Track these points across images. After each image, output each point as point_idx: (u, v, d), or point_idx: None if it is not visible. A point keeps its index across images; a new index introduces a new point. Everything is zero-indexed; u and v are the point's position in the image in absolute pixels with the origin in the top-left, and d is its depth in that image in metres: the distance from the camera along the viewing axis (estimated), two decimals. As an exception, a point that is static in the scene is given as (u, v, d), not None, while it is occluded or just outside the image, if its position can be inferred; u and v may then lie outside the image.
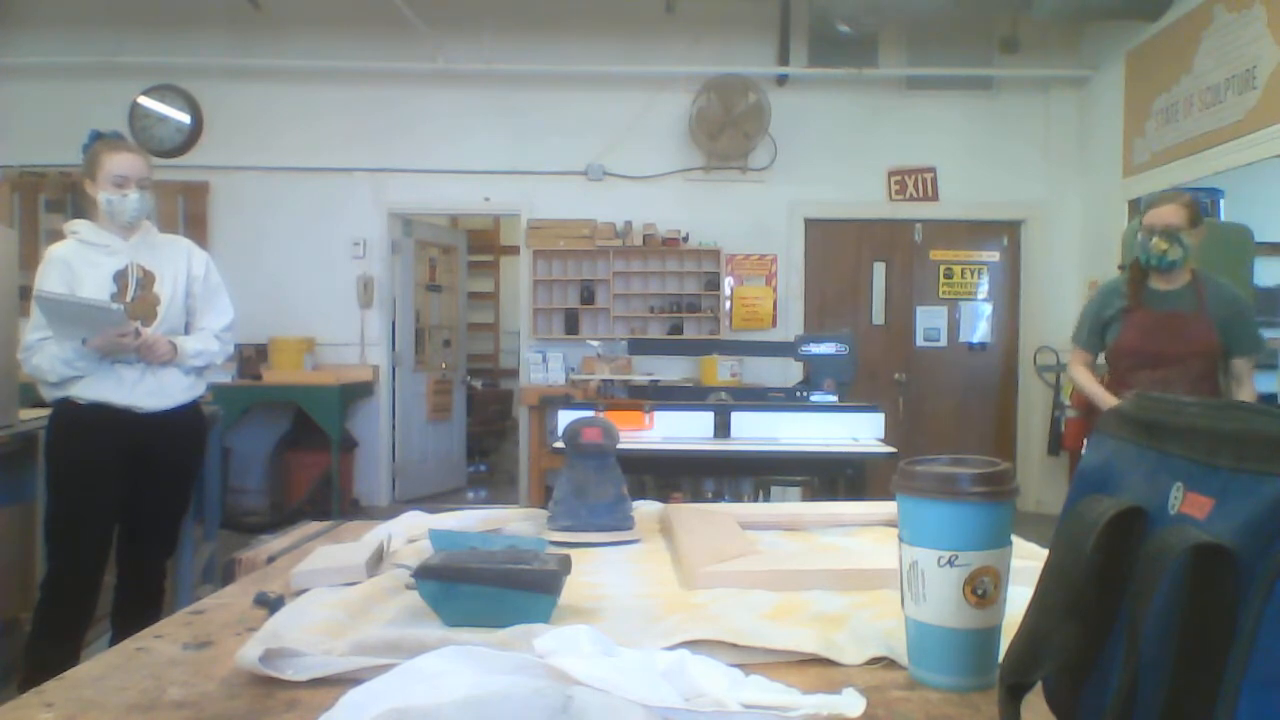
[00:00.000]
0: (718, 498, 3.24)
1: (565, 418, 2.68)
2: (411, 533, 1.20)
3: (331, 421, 5.99)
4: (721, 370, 6.00)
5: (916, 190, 6.51)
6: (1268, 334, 4.61)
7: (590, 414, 1.36)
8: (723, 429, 2.92)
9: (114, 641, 2.14)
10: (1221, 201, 5.56)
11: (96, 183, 2.68)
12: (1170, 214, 2.78)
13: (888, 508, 1.22)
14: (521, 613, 0.80)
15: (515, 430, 7.34)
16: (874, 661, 0.74)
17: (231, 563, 1.20)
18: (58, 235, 2.84)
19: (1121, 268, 3.12)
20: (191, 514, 3.25)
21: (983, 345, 6.66)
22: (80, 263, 2.68)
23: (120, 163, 2.66)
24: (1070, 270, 6.42)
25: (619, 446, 1.28)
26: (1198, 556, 0.45)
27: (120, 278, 2.71)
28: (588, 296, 6.51)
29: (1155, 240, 2.75)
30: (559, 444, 1.29)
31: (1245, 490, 0.45)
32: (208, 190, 6.39)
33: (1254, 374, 2.85)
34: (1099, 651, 0.53)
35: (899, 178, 6.51)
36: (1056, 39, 6.35)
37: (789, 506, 1.38)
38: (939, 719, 0.64)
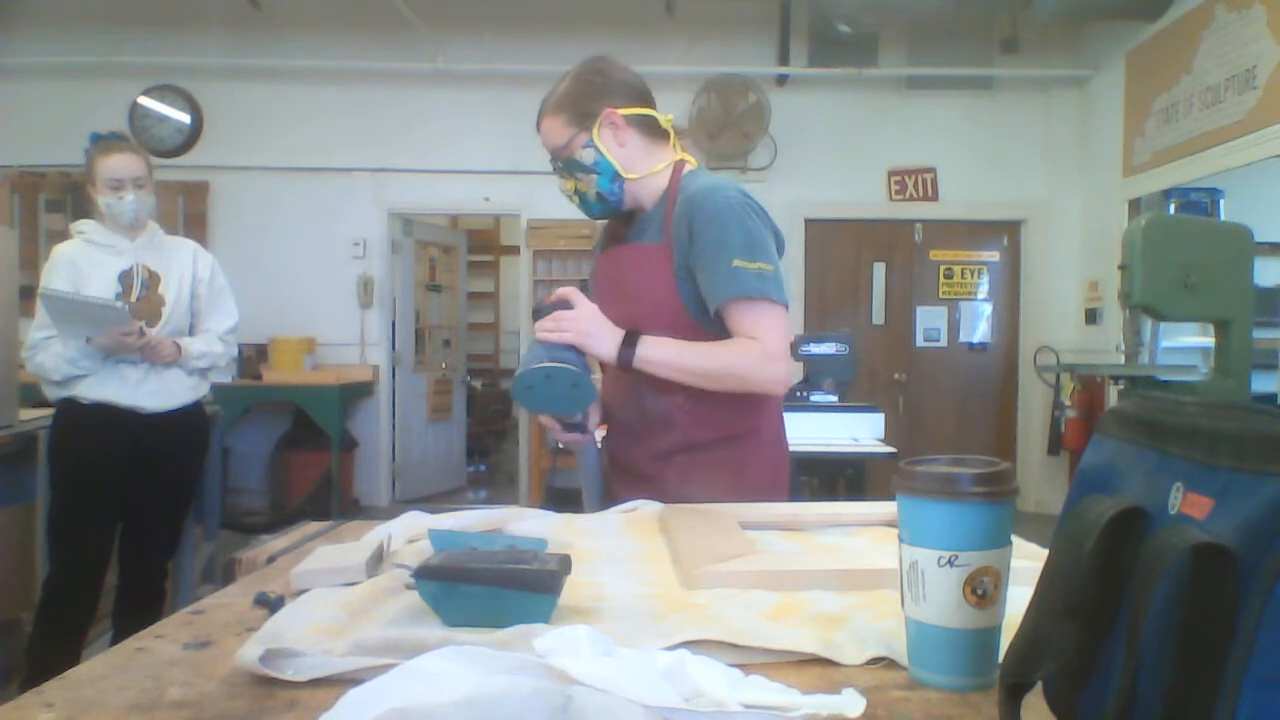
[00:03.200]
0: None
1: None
2: (411, 533, 1.20)
3: (331, 421, 5.99)
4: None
5: (916, 190, 6.51)
6: (1268, 334, 4.61)
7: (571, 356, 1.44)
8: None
9: (114, 641, 2.14)
10: (1221, 201, 5.57)
11: (95, 187, 2.68)
12: None
13: (888, 508, 1.23)
14: (521, 613, 0.80)
15: (515, 430, 7.34)
16: (874, 661, 0.74)
17: (232, 563, 1.21)
18: (58, 235, 2.85)
19: (1122, 267, 3.11)
20: (192, 514, 3.25)
21: (983, 345, 6.66)
22: (86, 262, 2.69)
23: (113, 165, 2.66)
24: (1070, 270, 6.43)
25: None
26: (1197, 556, 0.45)
27: (125, 278, 2.72)
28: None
29: None
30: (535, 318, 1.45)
31: (1245, 490, 0.45)
32: (208, 190, 6.39)
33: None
34: (1099, 651, 0.53)
35: (899, 178, 6.51)
36: (1056, 39, 6.36)
37: (788, 506, 1.38)
38: (939, 719, 0.64)
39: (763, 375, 1.46)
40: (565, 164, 1.58)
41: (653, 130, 1.57)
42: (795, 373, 4.99)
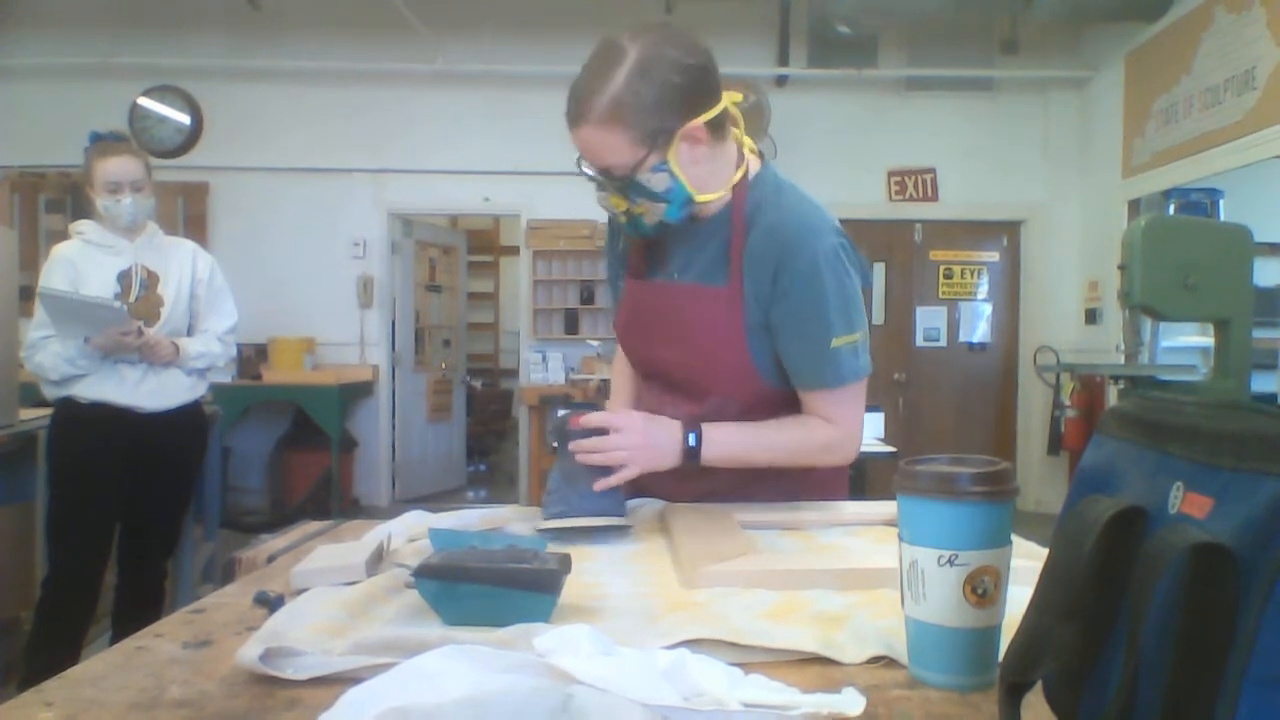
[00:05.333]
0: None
1: (565, 417, 2.68)
2: (411, 532, 1.20)
3: (331, 421, 5.99)
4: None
5: (916, 191, 6.51)
6: (1267, 334, 4.61)
7: (580, 408, 1.35)
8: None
9: (114, 640, 2.14)
10: (1221, 202, 5.56)
11: (94, 189, 2.68)
12: None
13: (888, 507, 1.22)
14: (521, 612, 0.80)
15: (515, 430, 7.35)
16: (874, 660, 0.74)
17: (231, 562, 1.20)
18: (57, 236, 2.85)
19: (1122, 267, 3.11)
20: (191, 513, 3.25)
21: (982, 345, 6.66)
22: (85, 262, 2.69)
23: (111, 168, 2.66)
24: (1070, 270, 6.43)
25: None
26: (1197, 556, 0.45)
27: (124, 278, 2.72)
28: (587, 297, 6.51)
29: None
30: (553, 440, 1.27)
31: (1245, 490, 0.45)
32: (207, 191, 6.39)
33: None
34: (1099, 651, 0.53)
35: (899, 178, 6.51)
36: (1056, 40, 6.36)
37: (788, 506, 1.38)
38: (939, 718, 0.64)
39: (834, 460, 1.34)
40: (623, 185, 1.20)
41: (722, 127, 1.24)
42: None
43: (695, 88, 1.18)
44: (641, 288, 1.39)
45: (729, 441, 1.27)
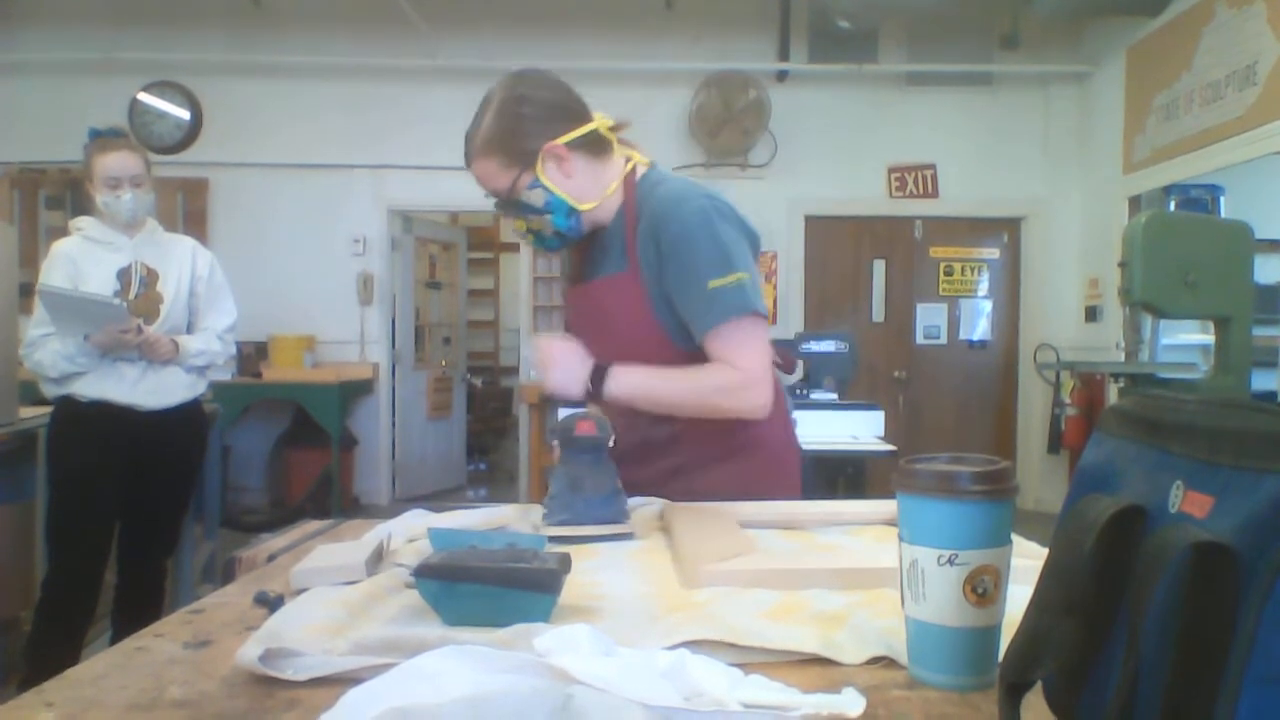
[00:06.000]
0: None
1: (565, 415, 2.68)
2: (411, 532, 1.20)
3: (331, 419, 5.99)
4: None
5: (916, 187, 6.50)
6: (1268, 331, 4.61)
7: (584, 409, 1.36)
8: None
9: (114, 640, 2.14)
10: (1222, 198, 5.56)
11: (93, 185, 2.68)
12: None
13: (888, 506, 1.23)
14: (521, 612, 0.80)
15: (515, 428, 7.35)
16: (874, 661, 0.74)
17: (231, 561, 1.21)
18: (58, 232, 2.84)
19: (1122, 264, 3.11)
20: (191, 512, 3.25)
21: (983, 343, 6.66)
22: (85, 259, 2.69)
23: (111, 164, 2.66)
24: (1070, 267, 6.43)
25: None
26: (1198, 554, 0.45)
27: (124, 275, 2.72)
28: (588, 294, 6.50)
29: None
30: (553, 441, 1.30)
31: (1245, 488, 0.45)
32: (207, 187, 6.38)
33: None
34: (1099, 650, 0.53)
35: (899, 174, 6.50)
36: (1057, 35, 6.35)
37: (788, 505, 1.38)
38: (939, 718, 0.64)
39: (740, 404, 1.40)
40: (512, 205, 1.43)
41: (596, 145, 1.44)
42: (796, 370, 4.98)
43: (551, 115, 1.40)
44: (572, 294, 1.59)
45: (633, 382, 1.40)
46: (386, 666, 0.64)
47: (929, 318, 6.63)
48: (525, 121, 1.39)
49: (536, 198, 1.41)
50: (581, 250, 1.55)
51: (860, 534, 1.23)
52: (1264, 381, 4.57)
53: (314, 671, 0.70)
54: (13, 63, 6.24)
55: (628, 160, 1.49)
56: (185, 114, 6.37)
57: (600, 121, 1.45)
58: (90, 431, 2.66)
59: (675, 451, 1.48)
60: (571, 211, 1.43)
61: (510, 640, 0.72)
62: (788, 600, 0.88)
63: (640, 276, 1.42)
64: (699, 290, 1.37)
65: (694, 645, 0.73)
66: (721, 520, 1.20)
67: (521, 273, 6.74)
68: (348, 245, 6.46)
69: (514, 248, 7.59)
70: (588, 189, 1.43)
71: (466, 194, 6.64)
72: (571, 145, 1.40)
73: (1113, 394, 5.40)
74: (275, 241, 6.37)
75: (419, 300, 7.01)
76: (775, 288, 6.52)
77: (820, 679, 0.70)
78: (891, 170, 6.50)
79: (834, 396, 3.44)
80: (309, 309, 6.36)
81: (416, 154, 6.39)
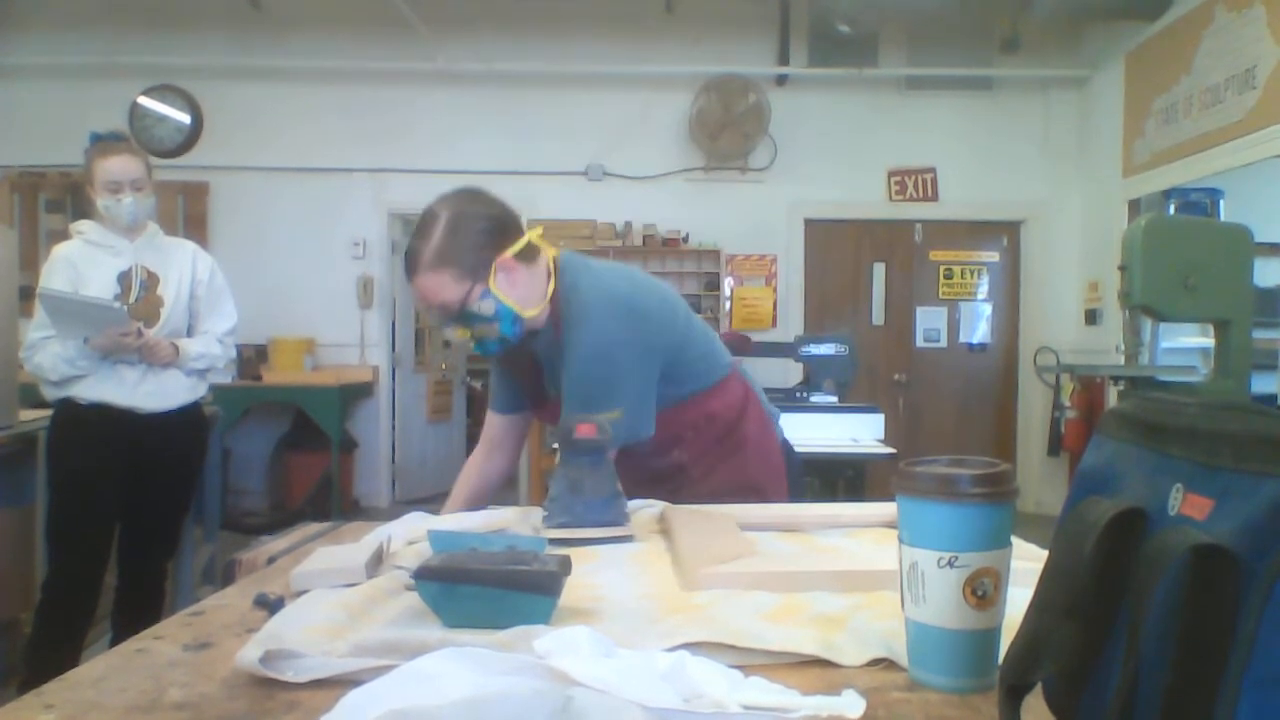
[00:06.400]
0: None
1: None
2: (411, 534, 1.20)
3: (331, 422, 5.99)
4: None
5: (916, 190, 6.51)
6: (1268, 334, 4.60)
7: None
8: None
9: (114, 642, 2.14)
10: (1221, 201, 5.56)
11: (94, 188, 2.68)
12: None
13: (887, 509, 1.23)
14: (521, 614, 0.80)
15: (515, 431, 7.33)
16: (874, 663, 0.74)
17: (231, 564, 1.21)
18: (58, 236, 2.84)
19: (1122, 267, 3.10)
20: (191, 515, 3.25)
21: (983, 346, 6.66)
22: (85, 262, 2.69)
23: (111, 168, 2.66)
24: (1070, 271, 6.43)
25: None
26: (1197, 557, 0.45)
27: (124, 278, 2.72)
28: (588, 297, 6.50)
29: None
30: (554, 443, 1.32)
31: (1245, 491, 0.45)
32: (207, 190, 6.39)
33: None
34: (1099, 652, 0.53)
35: (899, 178, 6.51)
36: (1056, 39, 6.35)
37: (788, 508, 1.38)
38: (939, 720, 0.64)
39: None
40: (461, 316, 1.47)
41: (531, 253, 1.51)
42: (795, 373, 4.95)
43: (498, 230, 1.47)
44: (545, 412, 1.66)
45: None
46: (386, 668, 0.64)
47: (929, 321, 6.63)
48: (478, 236, 1.45)
49: (487, 307, 1.46)
50: (525, 366, 1.62)
51: (860, 536, 1.23)
52: (1264, 385, 4.57)
53: (314, 673, 0.70)
54: (13, 66, 6.25)
55: (548, 265, 1.57)
56: (186, 118, 6.37)
57: (532, 232, 1.54)
58: (90, 434, 2.66)
59: (680, 474, 1.58)
60: (517, 319, 1.48)
61: (510, 642, 0.72)
62: (788, 602, 0.88)
63: None
64: (582, 416, 1.42)
65: (694, 647, 0.73)
66: (721, 523, 1.20)
67: (521, 276, 6.74)
68: (348, 248, 6.47)
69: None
70: (529, 295, 1.50)
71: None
72: (515, 256, 1.48)
73: (1113, 397, 5.40)
74: (275, 244, 6.37)
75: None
76: (775, 291, 6.52)
77: (820, 681, 0.70)
78: (891, 174, 6.51)
79: (834, 399, 3.44)
80: (309, 312, 6.36)
81: (416, 157, 6.39)
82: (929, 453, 0.76)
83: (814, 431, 3.16)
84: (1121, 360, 5.45)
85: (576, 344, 1.47)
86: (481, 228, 1.46)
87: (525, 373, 1.64)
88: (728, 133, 6.30)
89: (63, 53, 6.25)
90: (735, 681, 0.64)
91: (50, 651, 2.57)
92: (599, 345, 1.46)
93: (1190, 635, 0.46)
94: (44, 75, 6.28)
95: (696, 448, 1.62)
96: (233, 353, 2.95)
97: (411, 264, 1.44)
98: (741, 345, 4.20)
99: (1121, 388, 4.09)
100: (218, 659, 0.77)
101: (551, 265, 1.55)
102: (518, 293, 1.48)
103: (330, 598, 0.89)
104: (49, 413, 2.76)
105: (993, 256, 6.64)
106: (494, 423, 1.77)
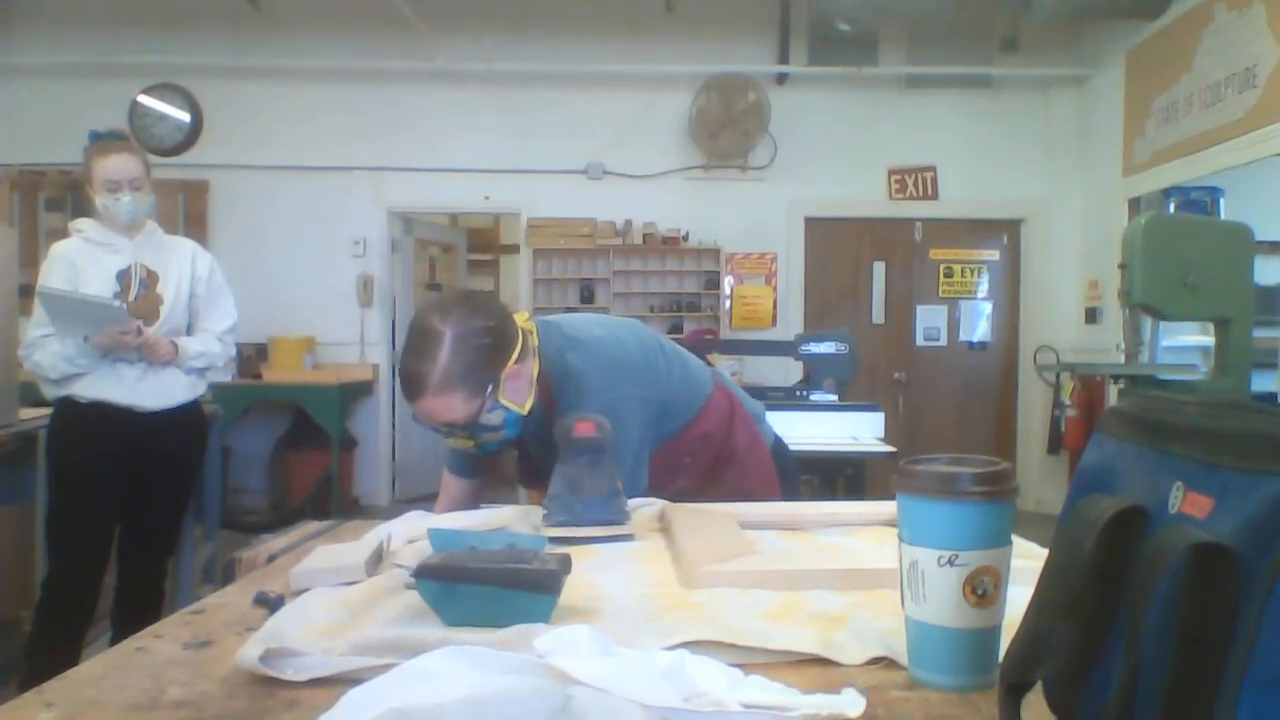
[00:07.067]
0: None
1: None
2: (411, 532, 1.20)
3: (332, 421, 5.99)
4: (722, 370, 5.99)
5: (916, 189, 6.51)
6: (1268, 333, 4.60)
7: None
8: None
9: (114, 641, 2.14)
10: (1221, 200, 5.56)
11: (92, 187, 2.68)
12: None
13: (887, 507, 1.23)
14: (521, 613, 0.80)
15: (515, 429, 7.33)
16: (874, 661, 0.74)
17: (231, 562, 1.21)
18: (58, 234, 2.84)
19: (1122, 266, 3.10)
20: (191, 514, 3.25)
21: (983, 344, 6.66)
22: (84, 260, 2.69)
23: (110, 166, 2.66)
24: (1070, 269, 6.43)
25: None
26: (1198, 556, 0.45)
27: (123, 276, 2.72)
28: (588, 295, 6.51)
29: None
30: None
31: (1245, 489, 0.45)
32: (207, 189, 6.38)
33: None
34: (1099, 651, 0.53)
35: (899, 176, 6.51)
36: (1056, 38, 6.35)
37: (788, 506, 1.38)
38: (939, 719, 0.64)
39: None
40: (470, 430, 1.41)
41: (527, 347, 1.46)
42: (795, 372, 4.94)
43: (502, 342, 1.40)
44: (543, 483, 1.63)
45: None
46: (386, 667, 0.64)
47: (929, 319, 6.63)
48: (484, 352, 1.37)
49: (495, 418, 1.41)
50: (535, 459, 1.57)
51: (860, 535, 1.23)
52: (1264, 383, 4.57)
53: (314, 672, 0.71)
54: (13, 65, 6.24)
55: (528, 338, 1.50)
56: (185, 116, 6.37)
57: (520, 319, 1.48)
58: (90, 432, 2.66)
59: (681, 499, 1.56)
60: (519, 419, 1.45)
61: (510, 641, 0.72)
62: (787, 601, 0.88)
63: None
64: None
65: (694, 646, 0.73)
66: (721, 521, 1.20)
67: (521, 275, 6.74)
68: (348, 247, 6.47)
69: (514, 249, 7.58)
70: (526, 391, 1.45)
71: (466, 196, 6.62)
72: (517, 361, 1.42)
73: (1113, 395, 5.40)
74: (275, 243, 6.37)
75: (419, 302, 7.01)
76: (775, 289, 6.52)
77: (820, 679, 0.70)
78: (891, 172, 6.50)
79: (834, 398, 3.44)
80: (309, 311, 6.36)
81: (416, 156, 6.39)
82: (929, 451, 0.76)
83: (814, 430, 3.16)
84: (1122, 359, 5.45)
85: (558, 389, 1.47)
86: (488, 343, 1.37)
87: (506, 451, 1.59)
88: (728, 131, 6.30)
89: (63, 52, 6.25)
90: (735, 680, 0.64)
91: (50, 650, 2.57)
92: (613, 405, 1.43)
93: (1190, 634, 0.46)
94: (44, 74, 6.28)
95: (695, 471, 1.64)
96: (232, 351, 2.95)
97: (415, 387, 1.35)
98: (708, 345, 4.18)
99: (1122, 386, 4.09)
100: (218, 657, 0.77)
101: (535, 343, 1.50)
102: (520, 395, 1.44)
103: (330, 596, 0.89)
104: (49, 411, 2.76)
105: (993, 255, 6.64)
106: (449, 481, 1.70)
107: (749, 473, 1.67)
